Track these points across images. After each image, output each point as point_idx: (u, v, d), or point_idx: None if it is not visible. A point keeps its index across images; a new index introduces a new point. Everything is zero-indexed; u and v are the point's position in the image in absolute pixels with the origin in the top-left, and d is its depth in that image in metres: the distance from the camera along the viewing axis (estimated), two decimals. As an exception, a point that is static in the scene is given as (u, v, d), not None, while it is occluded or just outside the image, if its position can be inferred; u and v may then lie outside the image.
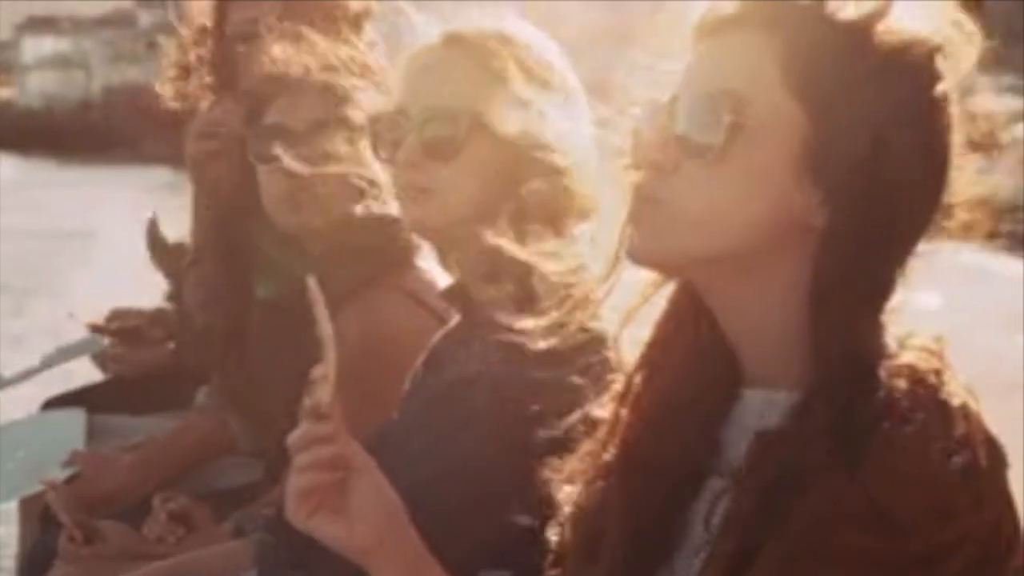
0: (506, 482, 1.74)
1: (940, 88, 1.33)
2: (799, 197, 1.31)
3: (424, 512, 1.70)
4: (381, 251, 2.34)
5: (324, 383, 1.45)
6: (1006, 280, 13.99)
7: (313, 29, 2.51)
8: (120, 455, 2.88)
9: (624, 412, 1.46)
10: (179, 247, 3.38)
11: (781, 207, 1.32)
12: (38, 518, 2.85)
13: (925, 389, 1.28)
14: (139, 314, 3.53)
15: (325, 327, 1.44)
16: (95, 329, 3.49)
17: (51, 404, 3.38)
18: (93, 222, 18.94)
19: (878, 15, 1.31)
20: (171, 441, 2.91)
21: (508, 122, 1.90)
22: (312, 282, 1.45)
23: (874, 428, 1.25)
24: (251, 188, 2.62)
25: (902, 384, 1.28)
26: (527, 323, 1.61)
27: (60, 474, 2.81)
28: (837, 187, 1.30)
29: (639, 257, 1.40)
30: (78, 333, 3.57)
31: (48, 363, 3.47)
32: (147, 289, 3.63)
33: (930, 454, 1.25)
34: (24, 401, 3.70)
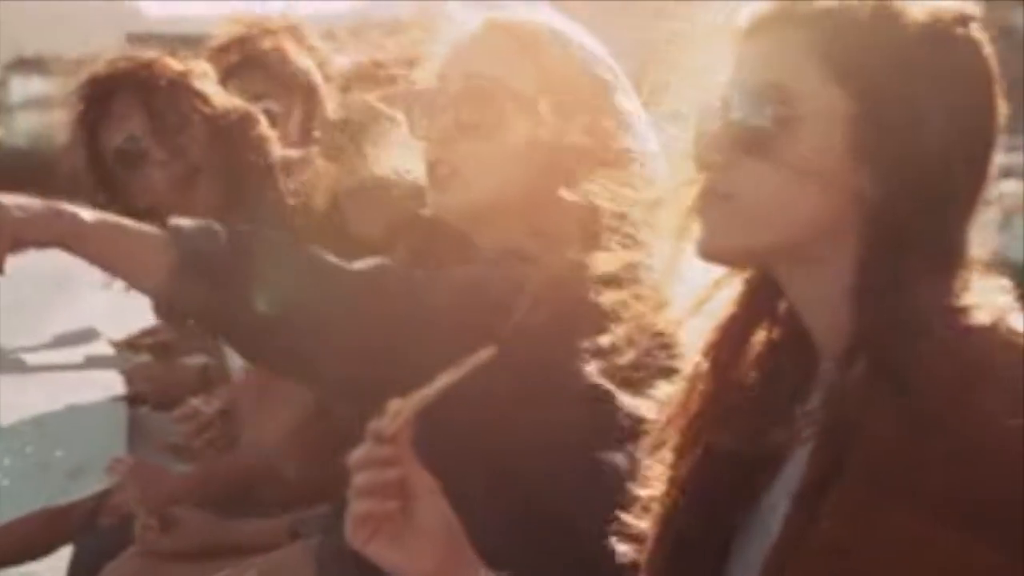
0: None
1: (978, 53, 1.38)
2: (851, 176, 1.36)
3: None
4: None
5: (398, 414, 1.45)
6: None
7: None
8: (168, 469, 2.81)
9: (696, 397, 1.49)
10: None
11: (836, 189, 1.36)
12: (83, 521, 2.82)
13: (993, 323, 1.30)
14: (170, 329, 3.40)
15: (449, 377, 1.45)
16: (126, 346, 3.46)
17: None
18: (82, 262, 17.98)
19: (943, 22, 1.37)
20: (224, 468, 2.84)
21: (550, 106, 1.89)
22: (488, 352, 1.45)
23: (934, 344, 1.27)
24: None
25: (965, 320, 1.31)
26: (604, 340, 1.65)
27: (102, 483, 2.74)
28: (886, 160, 1.34)
29: (706, 252, 1.43)
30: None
31: (75, 366, 3.42)
32: (138, 325, 3.57)
33: (997, 357, 1.26)
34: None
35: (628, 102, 1.92)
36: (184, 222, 1.94)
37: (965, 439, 1.23)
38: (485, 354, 1.45)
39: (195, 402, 2.87)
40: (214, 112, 2.82)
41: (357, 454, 1.46)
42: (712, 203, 1.41)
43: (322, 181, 2.59)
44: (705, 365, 1.48)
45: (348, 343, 1.86)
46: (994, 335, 1.29)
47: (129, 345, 3.47)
